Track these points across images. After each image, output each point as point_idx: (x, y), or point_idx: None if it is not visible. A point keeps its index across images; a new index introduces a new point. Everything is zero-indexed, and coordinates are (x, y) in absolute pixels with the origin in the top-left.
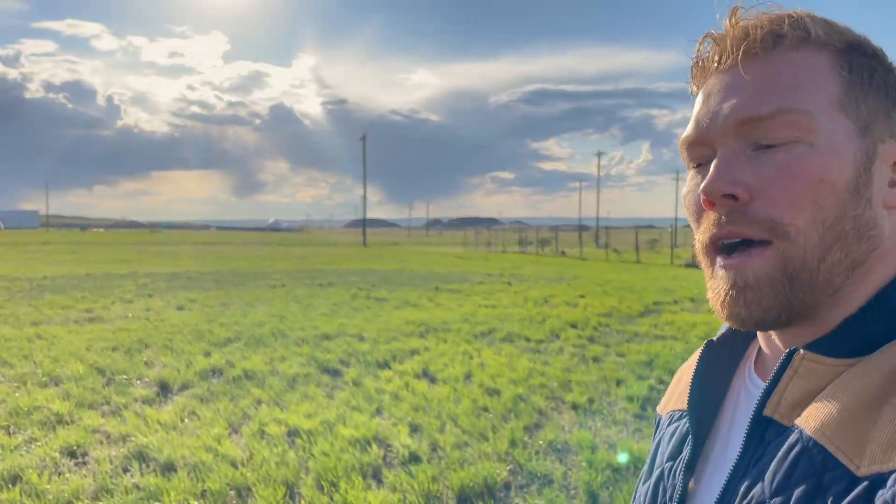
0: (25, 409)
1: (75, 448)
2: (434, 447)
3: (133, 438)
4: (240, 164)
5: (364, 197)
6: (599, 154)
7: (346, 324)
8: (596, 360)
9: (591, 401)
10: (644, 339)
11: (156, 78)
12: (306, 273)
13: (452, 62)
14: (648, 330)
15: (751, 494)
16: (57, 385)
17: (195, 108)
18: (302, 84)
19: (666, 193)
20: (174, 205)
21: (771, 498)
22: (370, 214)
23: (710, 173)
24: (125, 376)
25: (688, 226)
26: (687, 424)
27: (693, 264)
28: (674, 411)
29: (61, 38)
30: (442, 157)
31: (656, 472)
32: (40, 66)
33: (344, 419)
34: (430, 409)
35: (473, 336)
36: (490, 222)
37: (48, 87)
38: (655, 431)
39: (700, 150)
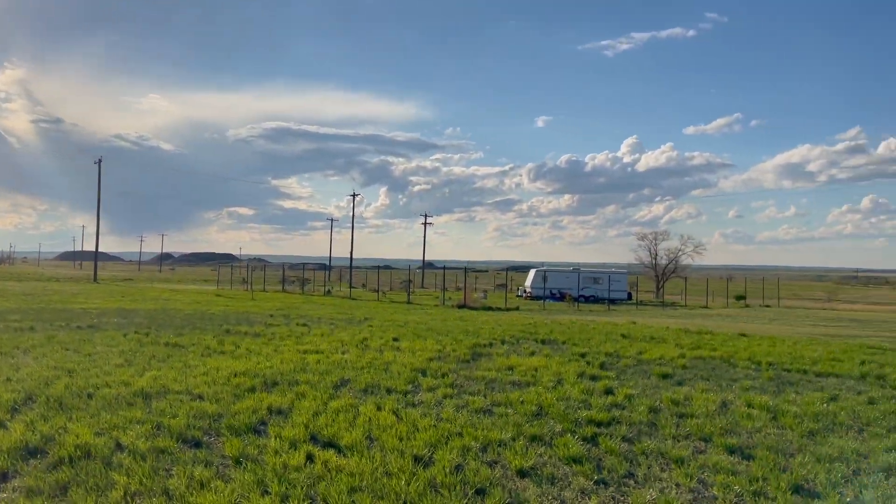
0: None
1: None
2: None
3: None
4: None
5: (98, 227)
6: (354, 195)
7: (160, 377)
8: (486, 412)
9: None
10: (505, 387)
11: None
12: (50, 313)
13: (189, 91)
14: (498, 375)
15: None
16: None
17: None
18: (8, 98)
19: (400, 236)
20: None
21: None
22: (88, 246)
23: None
24: None
25: (420, 267)
26: None
27: (465, 305)
28: None
29: None
30: (174, 188)
31: None
32: None
33: None
34: (370, 490)
35: (333, 388)
36: (228, 258)
37: None
38: None
39: None
